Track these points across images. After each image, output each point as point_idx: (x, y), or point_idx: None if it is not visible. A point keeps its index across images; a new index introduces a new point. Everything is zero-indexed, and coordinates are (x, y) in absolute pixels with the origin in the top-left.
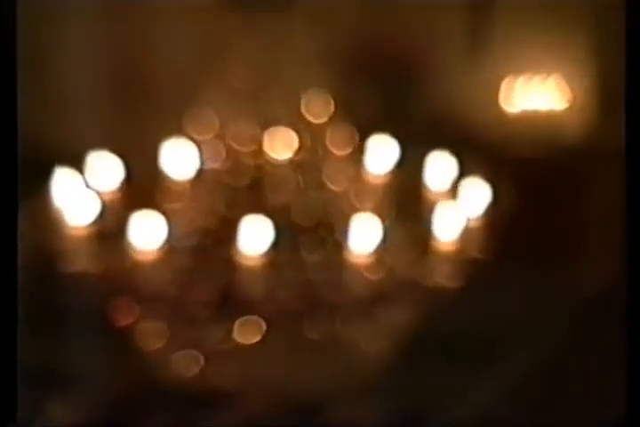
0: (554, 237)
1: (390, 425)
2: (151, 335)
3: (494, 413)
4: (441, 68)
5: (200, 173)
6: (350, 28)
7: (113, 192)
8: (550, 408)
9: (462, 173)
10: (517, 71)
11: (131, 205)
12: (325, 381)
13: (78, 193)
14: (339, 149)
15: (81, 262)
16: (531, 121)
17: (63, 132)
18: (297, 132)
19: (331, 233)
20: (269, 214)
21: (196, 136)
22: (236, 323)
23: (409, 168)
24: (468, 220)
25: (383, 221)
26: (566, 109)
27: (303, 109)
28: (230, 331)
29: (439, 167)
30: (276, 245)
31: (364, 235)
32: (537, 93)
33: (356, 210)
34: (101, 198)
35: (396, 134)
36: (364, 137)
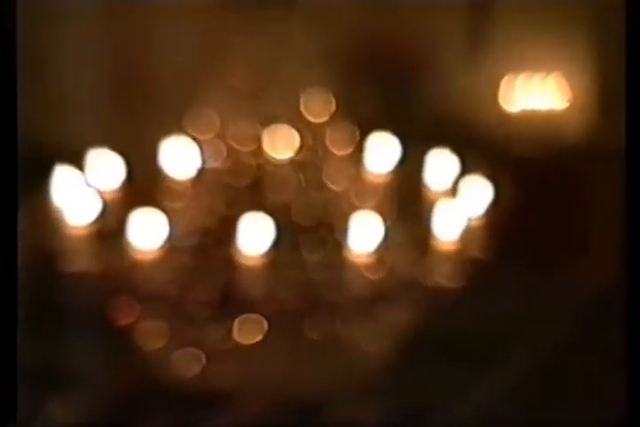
0: (554, 236)
1: (390, 425)
2: (151, 335)
3: (495, 413)
4: (441, 68)
5: (200, 172)
6: (350, 27)
7: (113, 191)
8: (550, 408)
9: (462, 173)
10: (517, 71)
11: (131, 204)
12: (325, 380)
13: (78, 192)
14: (339, 148)
15: (81, 262)
16: (531, 120)
17: (63, 132)
18: (297, 131)
19: (331, 233)
20: (270, 214)
21: (196, 136)
22: (236, 323)
23: (409, 167)
24: (469, 219)
25: (384, 220)
26: (566, 109)
27: (303, 109)
28: (230, 331)
29: (439, 166)
30: (276, 244)
31: (365, 234)
32: (537, 93)
33: (357, 209)
34: (101, 197)
35: (396, 133)
36: (364, 136)
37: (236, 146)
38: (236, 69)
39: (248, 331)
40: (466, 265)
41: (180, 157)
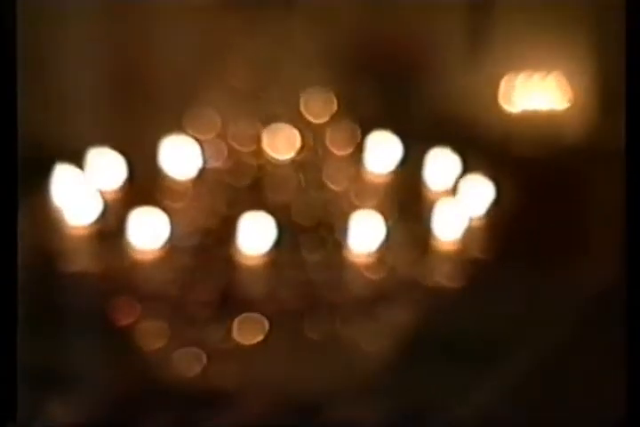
0: (554, 236)
1: (391, 425)
2: (151, 335)
3: (495, 413)
4: (441, 68)
5: (201, 172)
6: (350, 27)
7: (113, 191)
8: (550, 408)
9: (463, 172)
10: (518, 70)
11: (131, 204)
12: (326, 380)
13: (78, 192)
14: (339, 148)
15: (81, 262)
16: (531, 120)
17: (64, 132)
18: (298, 131)
19: (332, 233)
20: (270, 214)
21: (196, 136)
22: (237, 323)
23: (410, 167)
24: (469, 219)
25: (384, 220)
26: (567, 109)
27: (304, 109)
28: (230, 331)
29: (440, 166)
30: (277, 244)
31: (365, 234)
32: (537, 93)
33: (357, 209)
34: (102, 197)
35: (396, 133)
36: (364, 136)
37: (236, 146)
38: (236, 69)
39: (248, 331)
40: (466, 265)
41: (180, 157)
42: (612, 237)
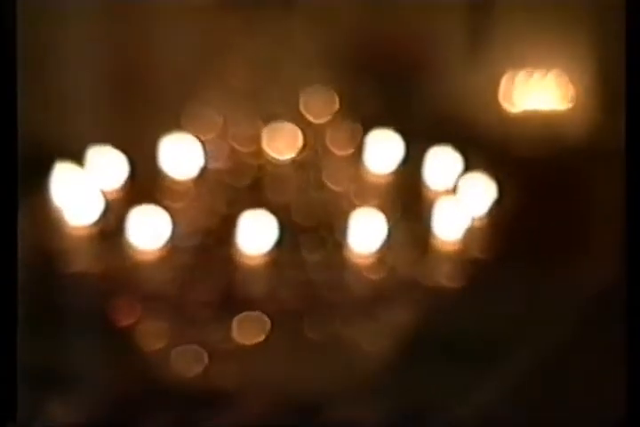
0: (554, 235)
1: (391, 425)
2: (152, 335)
3: (495, 413)
4: (442, 67)
5: (202, 172)
6: (350, 27)
7: (114, 191)
8: (550, 408)
9: (464, 171)
10: (518, 70)
11: (132, 203)
12: (326, 381)
13: (79, 191)
14: (340, 148)
15: (81, 262)
16: (531, 120)
17: (64, 132)
18: (298, 131)
19: (333, 232)
20: (271, 214)
21: (197, 136)
22: (237, 323)
23: (411, 167)
24: (470, 219)
25: (385, 219)
26: (567, 108)
27: (304, 109)
28: (231, 331)
29: (441, 165)
30: (278, 244)
31: (367, 234)
32: (538, 92)
33: (361, 209)
34: (103, 197)
35: (397, 133)
36: (365, 136)
37: (236, 146)
38: (236, 69)
39: (248, 331)
40: (466, 265)
41: (180, 157)
42: (612, 237)
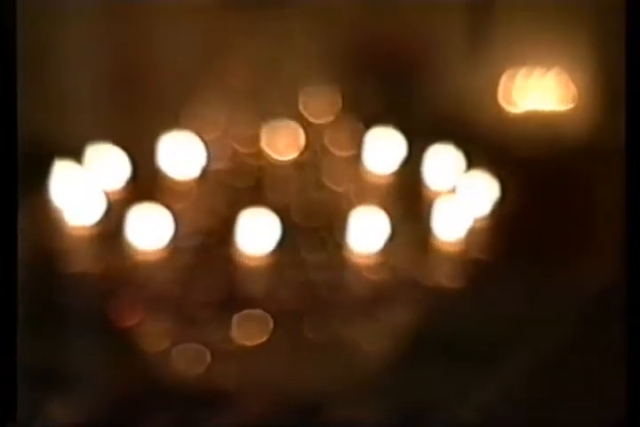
0: (555, 235)
1: (391, 426)
2: (152, 335)
3: (495, 412)
4: (443, 67)
5: (203, 172)
6: (351, 26)
7: (114, 191)
8: (550, 408)
9: (465, 171)
10: (519, 69)
11: (132, 203)
12: (327, 381)
13: (79, 191)
14: (341, 148)
15: (82, 262)
16: (532, 119)
17: (65, 131)
18: (299, 131)
19: (335, 233)
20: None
21: (198, 136)
22: (238, 323)
23: (412, 166)
24: (471, 218)
25: (386, 219)
26: (568, 108)
27: (305, 109)
28: (231, 331)
29: (442, 164)
30: (280, 244)
31: (368, 234)
32: (538, 91)
33: (360, 209)
34: (103, 197)
35: (398, 133)
36: (366, 136)
37: (237, 146)
38: (236, 69)
39: (249, 331)
40: (466, 264)
41: (182, 158)
42: (612, 236)
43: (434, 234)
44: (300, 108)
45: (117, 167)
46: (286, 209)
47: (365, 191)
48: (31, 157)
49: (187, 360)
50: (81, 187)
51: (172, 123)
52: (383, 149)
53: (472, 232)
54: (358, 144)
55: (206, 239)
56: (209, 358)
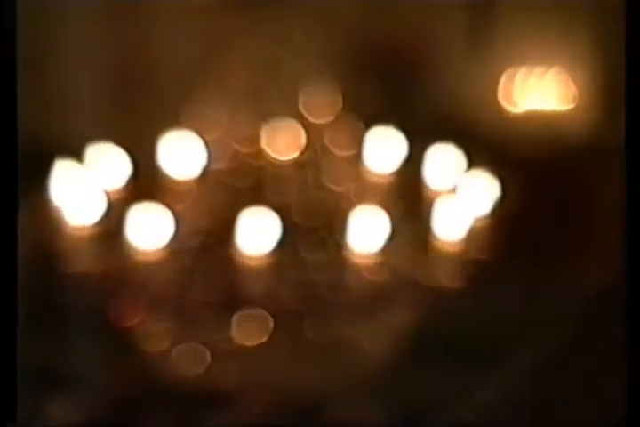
0: (555, 234)
1: (391, 426)
2: (152, 335)
3: (495, 412)
4: (444, 66)
5: (204, 172)
6: (351, 25)
7: (115, 191)
8: (550, 408)
9: (466, 171)
10: (520, 69)
11: (133, 203)
12: (327, 381)
13: (80, 191)
14: (342, 147)
15: (82, 261)
16: (532, 119)
17: (65, 131)
18: (300, 131)
19: (336, 233)
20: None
21: (199, 137)
22: (238, 323)
23: (413, 166)
24: (472, 218)
25: (387, 219)
26: (569, 107)
27: (305, 108)
28: (231, 331)
29: (442, 164)
30: (281, 245)
31: (369, 234)
32: (539, 91)
33: (361, 209)
34: (104, 197)
35: (399, 132)
36: (367, 136)
37: (238, 147)
38: (236, 69)
39: (249, 331)
40: (467, 264)
41: (182, 158)
42: (612, 236)
43: (434, 234)
44: (301, 107)
45: (117, 167)
46: (286, 209)
47: (366, 191)
48: (31, 157)
49: (187, 360)
50: (81, 187)
51: (173, 123)
52: (383, 149)
53: (472, 232)
54: (358, 144)
55: (206, 239)
56: (209, 358)
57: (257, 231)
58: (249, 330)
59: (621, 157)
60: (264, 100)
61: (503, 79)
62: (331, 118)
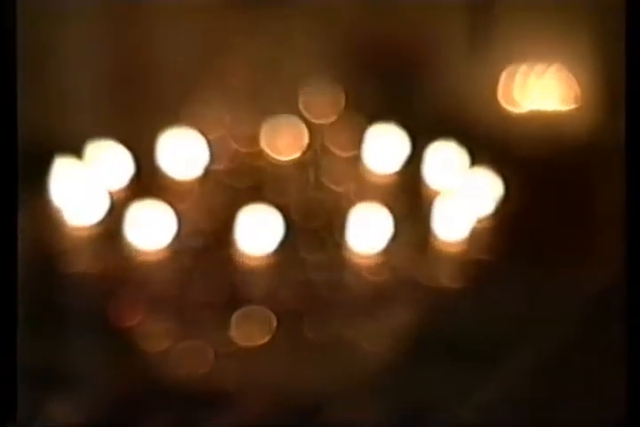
0: (557, 234)
1: (391, 426)
2: (153, 335)
3: (495, 412)
4: (445, 65)
5: (205, 172)
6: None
7: (115, 190)
8: (550, 408)
9: (467, 170)
10: (521, 69)
11: (133, 203)
12: (327, 381)
13: (80, 190)
14: (343, 147)
15: (82, 261)
16: (533, 118)
17: (65, 131)
18: (301, 131)
19: (336, 233)
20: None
21: (199, 137)
22: (238, 323)
23: (414, 166)
24: (473, 218)
25: (388, 219)
26: (570, 107)
27: (306, 108)
28: (231, 331)
29: (444, 163)
30: (280, 245)
31: (370, 234)
32: (540, 90)
33: (363, 209)
34: (104, 196)
35: (400, 132)
36: (368, 135)
37: (239, 147)
38: (237, 69)
39: (249, 331)
40: (468, 264)
41: (182, 158)
42: (613, 236)
43: (435, 234)
44: (301, 107)
45: (118, 167)
46: (287, 209)
47: (366, 191)
48: (31, 157)
49: (187, 360)
50: (82, 186)
51: (173, 123)
52: (386, 149)
53: (474, 232)
54: (359, 144)
55: (207, 239)
56: (209, 359)
57: (257, 231)
58: (249, 330)
59: (621, 156)
60: (264, 100)
61: (503, 79)
62: (331, 118)
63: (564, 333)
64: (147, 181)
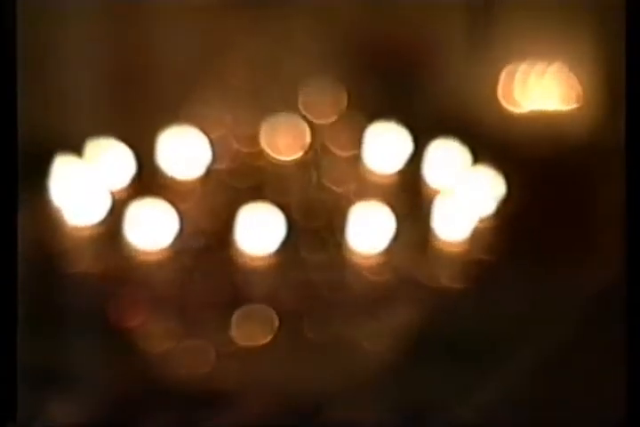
0: (558, 234)
1: (391, 426)
2: (153, 335)
3: (495, 412)
4: (445, 64)
5: (206, 172)
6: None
7: (116, 190)
8: (550, 408)
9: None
10: (521, 68)
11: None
12: (327, 381)
13: (81, 190)
14: (344, 147)
15: (82, 261)
16: (535, 118)
17: (65, 131)
18: (301, 131)
19: (337, 233)
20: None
21: (200, 136)
22: (239, 323)
23: (415, 165)
24: (474, 218)
25: (389, 219)
26: (571, 106)
27: (307, 108)
28: (232, 331)
29: (445, 163)
30: (281, 245)
31: (370, 234)
32: (541, 90)
33: (364, 208)
34: (105, 196)
35: (401, 131)
36: (368, 135)
37: (240, 146)
38: (237, 69)
39: (250, 331)
40: (469, 264)
41: (184, 158)
42: (614, 235)
43: (436, 233)
44: (302, 107)
45: (119, 166)
46: (288, 209)
47: (367, 190)
48: (32, 157)
49: (187, 360)
50: (82, 185)
51: (173, 123)
52: (386, 148)
53: (474, 231)
54: (360, 143)
55: (208, 239)
56: (210, 359)
57: (258, 231)
58: (250, 330)
59: (621, 156)
60: (265, 100)
61: (503, 78)
62: (332, 118)
63: (565, 333)
64: (148, 181)
